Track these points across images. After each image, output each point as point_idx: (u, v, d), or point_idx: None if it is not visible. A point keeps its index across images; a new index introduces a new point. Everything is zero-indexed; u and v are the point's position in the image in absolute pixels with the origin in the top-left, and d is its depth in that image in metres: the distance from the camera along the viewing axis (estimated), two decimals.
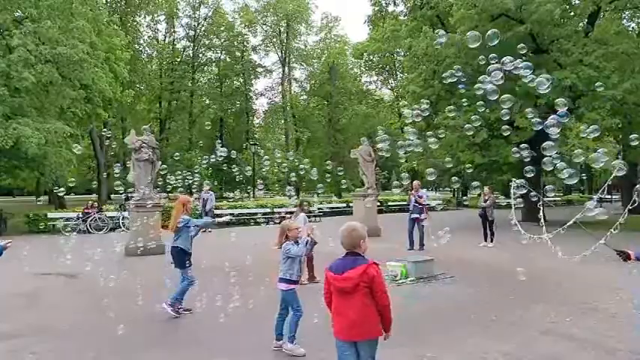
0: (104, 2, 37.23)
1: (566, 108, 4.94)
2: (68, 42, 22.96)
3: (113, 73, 30.11)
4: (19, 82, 20.85)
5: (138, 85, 42.66)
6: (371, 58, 53.05)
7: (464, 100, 21.36)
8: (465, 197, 47.62)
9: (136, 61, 39.46)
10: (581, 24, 23.10)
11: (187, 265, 7.74)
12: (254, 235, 16.61)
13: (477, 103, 6.86)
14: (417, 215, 14.86)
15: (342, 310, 3.99)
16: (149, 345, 6.37)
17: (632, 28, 28.87)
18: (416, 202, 15.01)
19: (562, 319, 7.19)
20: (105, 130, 36.44)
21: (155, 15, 49.84)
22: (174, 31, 53.09)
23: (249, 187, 49.30)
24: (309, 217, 10.53)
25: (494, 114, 20.37)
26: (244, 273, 8.84)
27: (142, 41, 49.29)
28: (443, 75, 5.62)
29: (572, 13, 23.43)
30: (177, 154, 38.97)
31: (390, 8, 37.99)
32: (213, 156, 10.44)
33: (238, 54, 54.33)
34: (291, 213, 11.62)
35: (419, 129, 26.11)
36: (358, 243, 4.04)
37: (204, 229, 19.53)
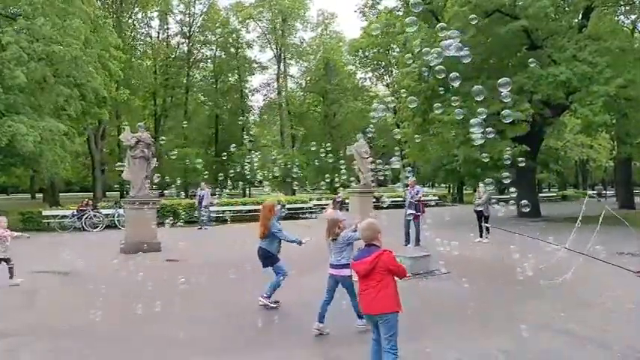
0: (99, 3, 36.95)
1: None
2: (63, 40, 22.85)
3: (108, 71, 29.94)
4: (11, 80, 20.74)
5: (134, 81, 42.27)
6: (365, 54, 52.97)
7: (452, 96, 21.42)
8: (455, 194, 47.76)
9: (131, 60, 39.15)
10: (575, 20, 23.15)
11: (272, 264, 8.04)
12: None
13: (453, 98, 6.95)
14: (413, 211, 14.87)
15: (363, 289, 4.86)
16: (148, 344, 6.38)
17: (625, 23, 28.93)
18: (412, 198, 15.02)
19: (558, 315, 7.23)
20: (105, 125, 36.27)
21: (149, 12, 49.49)
22: (168, 28, 52.86)
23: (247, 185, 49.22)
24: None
25: (489, 109, 20.44)
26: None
27: (136, 40, 48.95)
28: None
29: (566, 9, 23.49)
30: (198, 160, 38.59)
31: (384, 3, 38.04)
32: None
33: (233, 50, 54.13)
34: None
35: (416, 125, 26.20)
36: (376, 236, 4.94)
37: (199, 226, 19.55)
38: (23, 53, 21.12)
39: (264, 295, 8.00)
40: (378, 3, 40.81)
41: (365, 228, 4.99)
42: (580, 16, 23.13)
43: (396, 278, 4.85)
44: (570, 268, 9.07)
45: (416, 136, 23.26)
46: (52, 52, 22.17)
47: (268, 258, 8.04)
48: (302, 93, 57.79)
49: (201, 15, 51.93)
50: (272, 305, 7.96)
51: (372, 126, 21.77)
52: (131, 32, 47.03)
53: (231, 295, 8.95)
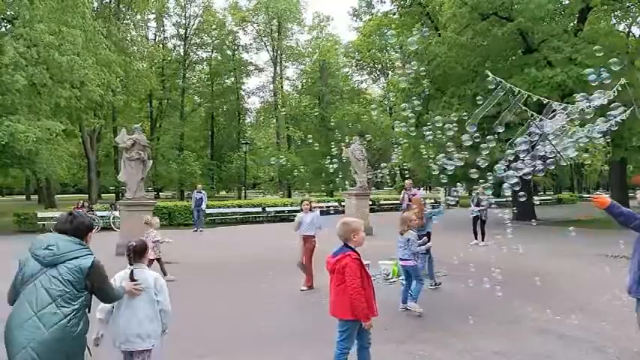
0: (93, 9, 36.64)
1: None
2: (60, 46, 22.88)
3: (105, 79, 29.80)
4: (11, 85, 20.79)
5: (131, 86, 41.94)
6: (360, 54, 52.95)
7: (454, 99, 21.46)
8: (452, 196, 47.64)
9: (129, 63, 38.81)
10: (571, 24, 23.26)
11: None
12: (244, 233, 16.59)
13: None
14: None
15: (330, 289, 4.78)
16: None
17: (621, 27, 29.11)
18: (409, 200, 15.03)
19: (553, 318, 7.25)
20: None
21: (145, 14, 49.29)
22: (164, 30, 52.82)
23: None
24: None
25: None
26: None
27: (133, 42, 48.65)
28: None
29: (562, 13, 23.59)
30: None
31: (378, 7, 38.06)
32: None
33: (229, 52, 54.11)
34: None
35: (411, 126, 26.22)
36: (350, 236, 4.69)
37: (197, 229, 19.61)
38: (20, 58, 21.16)
39: (433, 283, 9.42)
40: (373, 7, 40.93)
41: (338, 228, 4.79)
42: (576, 20, 23.23)
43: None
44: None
45: (411, 133, 23.32)
46: (49, 57, 22.21)
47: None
48: (298, 95, 57.76)
49: (196, 17, 51.92)
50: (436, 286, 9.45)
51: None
52: (128, 35, 46.78)
53: (227, 297, 8.94)
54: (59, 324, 3.22)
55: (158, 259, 10.25)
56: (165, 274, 10.05)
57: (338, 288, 4.63)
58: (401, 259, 7.92)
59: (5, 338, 3.28)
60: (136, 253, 4.36)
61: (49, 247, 3.40)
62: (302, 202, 10.02)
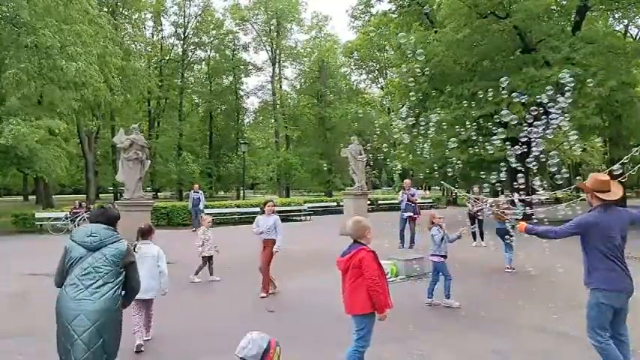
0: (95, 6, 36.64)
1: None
2: (63, 47, 22.88)
3: (104, 78, 29.73)
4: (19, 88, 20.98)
5: (130, 85, 41.86)
6: (359, 53, 52.90)
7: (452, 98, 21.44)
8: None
9: (128, 61, 38.75)
10: (569, 24, 23.28)
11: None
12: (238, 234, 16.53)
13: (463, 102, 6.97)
14: (411, 214, 14.90)
15: (343, 287, 4.82)
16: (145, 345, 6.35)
17: (619, 28, 29.19)
18: (408, 200, 15.05)
19: (551, 316, 7.26)
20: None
21: (143, 13, 49.20)
22: (162, 29, 52.72)
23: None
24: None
25: (481, 110, 20.55)
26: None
27: (132, 38, 48.55)
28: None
29: (560, 13, 23.61)
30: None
31: (377, 6, 37.95)
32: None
33: (228, 53, 54.05)
34: None
35: (408, 126, 26.21)
36: (363, 234, 4.79)
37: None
38: (25, 71, 21.27)
39: (508, 266, 10.82)
40: (372, 6, 40.88)
41: (350, 227, 4.87)
42: (573, 19, 23.25)
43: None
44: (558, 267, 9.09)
45: (405, 135, 23.34)
46: (54, 63, 22.22)
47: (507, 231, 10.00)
48: (296, 95, 57.73)
49: (195, 17, 51.82)
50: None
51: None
52: (125, 34, 46.68)
53: (226, 296, 8.94)
54: (106, 295, 3.89)
55: (210, 258, 10.43)
56: (196, 273, 10.40)
57: (354, 284, 4.65)
58: (430, 255, 8.37)
59: (58, 310, 3.88)
60: (143, 233, 6.60)
61: (93, 235, 4.07)
62: (265, 203, 9.23)
